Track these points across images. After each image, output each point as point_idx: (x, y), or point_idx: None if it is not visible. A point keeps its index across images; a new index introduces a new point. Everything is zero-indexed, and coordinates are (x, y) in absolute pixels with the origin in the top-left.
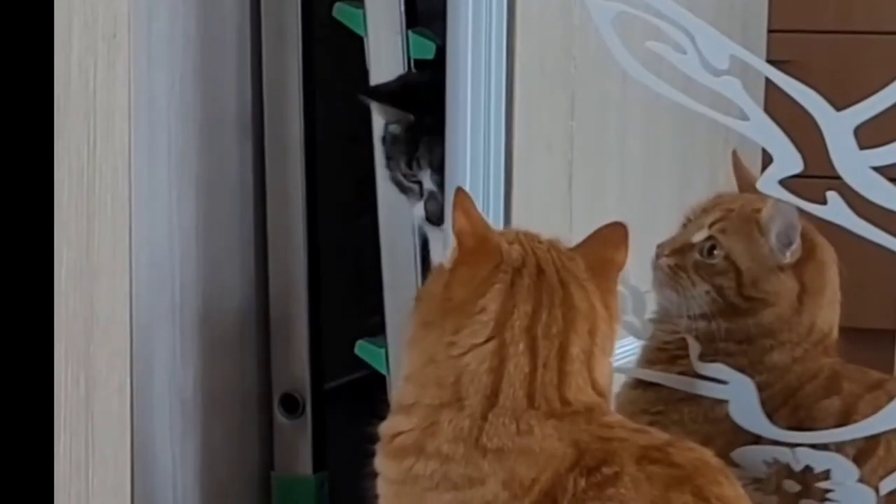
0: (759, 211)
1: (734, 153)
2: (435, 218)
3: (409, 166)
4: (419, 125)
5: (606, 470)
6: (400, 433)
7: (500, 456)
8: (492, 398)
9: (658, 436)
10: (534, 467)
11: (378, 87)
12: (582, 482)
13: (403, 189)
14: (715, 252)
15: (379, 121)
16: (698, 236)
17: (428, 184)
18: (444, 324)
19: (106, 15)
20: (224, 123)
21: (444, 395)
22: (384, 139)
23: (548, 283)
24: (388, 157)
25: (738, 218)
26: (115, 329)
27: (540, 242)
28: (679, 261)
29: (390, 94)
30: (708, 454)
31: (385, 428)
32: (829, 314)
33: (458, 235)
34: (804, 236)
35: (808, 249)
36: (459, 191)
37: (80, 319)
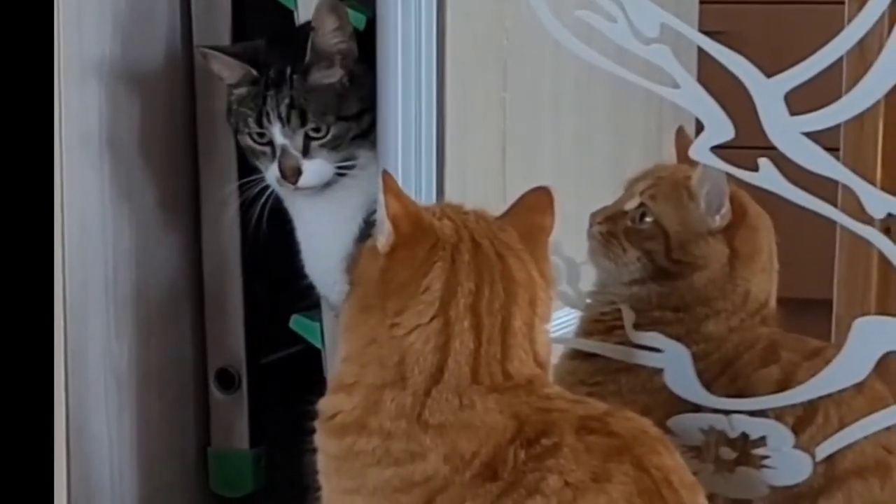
0: (689, 178)
1: (680, 129)
2: (291, 174)
3: (259, 123)
4: (264, 80)
5: (546, 441)
6: (340, 412)
7: (442, 431)
8: (436, 375)
9: (597, 406)
10: (475, 440)
11: (218, 45)
12: (522, 454)
13: (256, 155)
14: (645, 218)
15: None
16: (630, 204)
17: (279, 139)
18: (385, 306)
19: None
20: (156, 93)
21: (386, 374)
22: (230, 111)
23: (486, 257)
24: (237, 124)
25: (669, 184)
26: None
27: (466, 214)
28: (611, 227)
29: (233, 50)
30: (647, 423)
31: (325, 406)
32: (763, 282)
33: (393, 220)
34: (735, 201)
35: (739, 214)
36: (385, 174)
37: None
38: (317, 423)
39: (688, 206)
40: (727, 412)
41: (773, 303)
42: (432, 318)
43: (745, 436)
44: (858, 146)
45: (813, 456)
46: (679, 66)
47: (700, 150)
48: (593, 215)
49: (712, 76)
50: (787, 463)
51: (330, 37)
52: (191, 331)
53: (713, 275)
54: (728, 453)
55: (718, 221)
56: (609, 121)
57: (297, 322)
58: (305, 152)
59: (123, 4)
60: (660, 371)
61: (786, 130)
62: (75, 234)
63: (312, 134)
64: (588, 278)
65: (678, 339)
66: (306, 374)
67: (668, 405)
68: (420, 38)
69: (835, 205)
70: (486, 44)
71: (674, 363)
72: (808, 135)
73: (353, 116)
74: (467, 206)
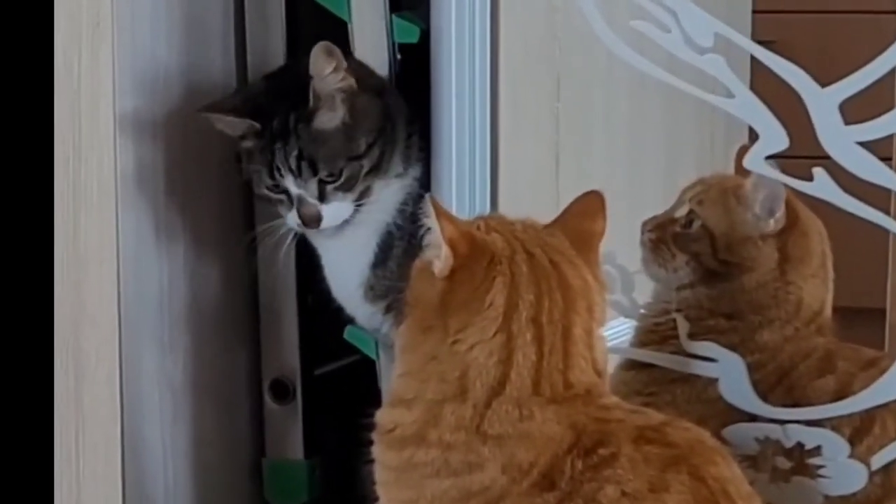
0: (739, 185)
1: (742, 148)
2: (311, 220)
3: (272, 176)
4: (269, 132)
5: (603, 451)
6: (399, 425)
7: (500, 442)
8: (498, 388)
9: (654, 416)
10: (532, 450)
11: (217, 102)
12: (579, 463)
13: (273, 203)
14: (693, 223)
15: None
16: (680, 211)
17: (294, 189)
18: (447, 325)
19: (90, 2)
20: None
21: (447, 389)
22: (240, 162)
23: (541, 267)
24: (249, 177)
25: (717, 190)
26: (103, 319)
27: (512, 224)
28: (660, 234)
29: (231, 106)
30: (705, 434)
31: (383, 420)
32: (816, 289)
33: (451, 243)
34: (788, 206)
35: (791, 219)
36: (431, 199)
37: (68, 310)
38: (374, 436)
39: (735, 209)
40: (782, 422)
41: (827, 312)
42: (496, 333)
43: (800, 445)
44: None
45: (869, 466)
46: (733, 75)
47: (755, 160)
48: (644, 224)
49: (765, 86)
50: (843, 473)
51: (329, 80)
52: (245, 342)
53: (762, 278)
54: (783, 463)
55: (772, 226)
56: (661, 130)
57: (351, 333)
58: (322, 198)
59: (177, 26)
60: (715, 381)
61: (840, 140)
62: (131, 248)
63: (326, 179)
64: (642, 288)
65: (733, 348)
66: (361, 384)
67: (723, 415)
68: (473, 49)
69: (888, 213)
70: (538, 55)
71: (728, 373)
72: (863, 144)
73: (362, 154)
74: (511, 217)
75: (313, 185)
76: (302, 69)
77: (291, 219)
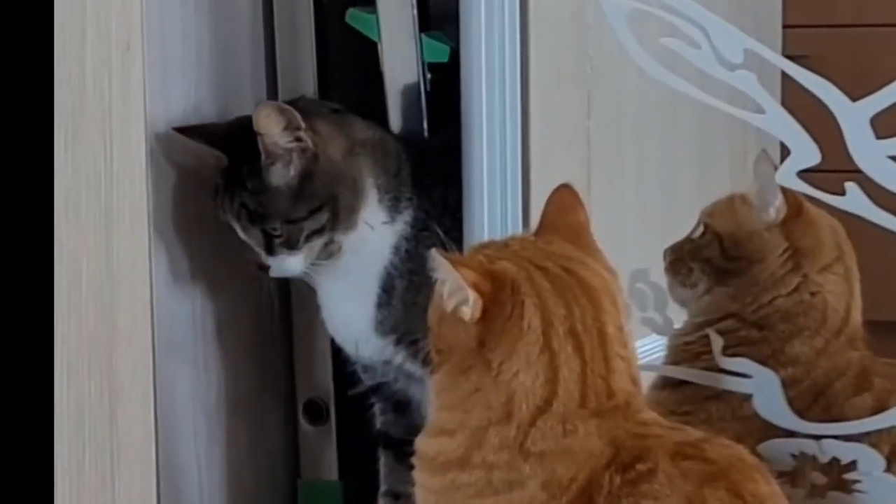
0: (745, 192)
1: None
2: (263, 268)
3: (227, 221)
4: (223, 175)
5: (641, 466)
6: (442, 452)
7: (542, 458)
8: (544, 406)
9: (692, 433)
10: (573, 466)
11: (193, 126)
12: (617, 479)
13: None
14: (705, 234)
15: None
16: (696, 231)
17: (241, 235)
18: (489, 360)
19: (119, 25)
20: None
21: (492, 415)
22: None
23: (559, 278)
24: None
25: (725, 200)
26: (137, 339)
27: (507, 246)
28: (678, 254)
29: (204, 133)
30: (743, 451)
31: (425, 448)
32: (837, 287)
33: (475, 287)
34: (789, 196)
35: (794, 208)
36: (437, 252)
37: (102, 331)
38: (416, 461)
39: (741, 209)
40: (818, 437)
41: (856, 320)
42: (539, 354)
43: (836, 461)
44: None
45: None
46: (764, 91)
47: (787, 176)
48: (665, 252)
49: (796, 101)
50: (879, 488)
51: (279, 138)
52: (279, 363)
53: (774, 269)
54: (819, 478)
55: (773, 215)
56: (693, 147)
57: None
58: (269, 250)
59: (207, 48)
60: (749, 398)
61: (872, 154)
62: (164, 269)
63: (272, 232)
64: (676, 306)
65: (764, 361)
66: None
67: (759, 432)
68: (504, 68)
69: None
70: (569, 73)
71: (763, 388)
72: (894, 158)
73: (302, 218)
74: (500, 239)
75: (257, 235)
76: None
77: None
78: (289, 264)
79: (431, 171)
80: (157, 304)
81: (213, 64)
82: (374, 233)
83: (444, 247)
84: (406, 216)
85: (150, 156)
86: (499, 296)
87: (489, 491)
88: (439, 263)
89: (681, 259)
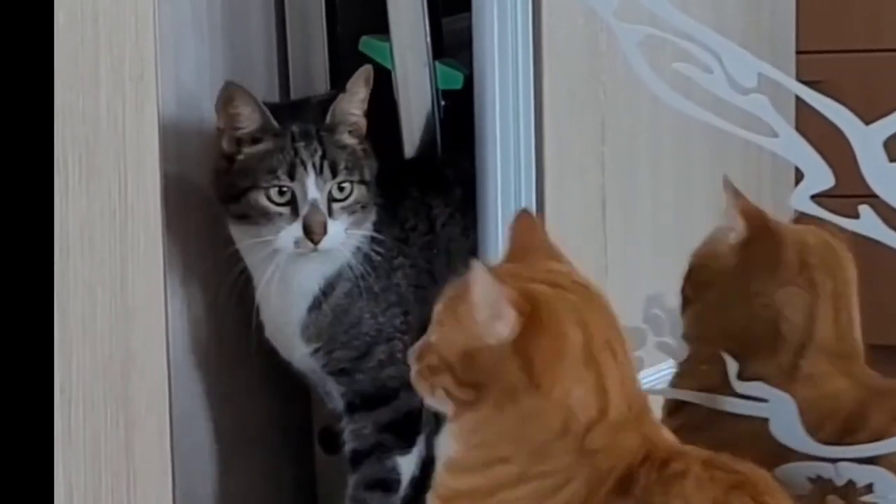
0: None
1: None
2: (318, 230)
3: (291, 175)
4: (289, 133)
5: (676, 466)
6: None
7: (593, 455)
8: (599, 416)
9: (723, 454)
10: (613, 459)
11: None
12: (654, 475)
13: (269, 216)
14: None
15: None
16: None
17: (312, 192)
18: (540, 383)
19: (132, 56)
20: None
21: (551, 432)
22: (232, 172)
23: (578, 292)
24: (251, 183)
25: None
26: (153, 369)
27: (511, 270)
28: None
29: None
30: (767, 474)
31: (461, 485)
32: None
33: (515, 307)
34: (748, 217)
35: (754, 228)
36: (477, 266)
37: (118, 361)
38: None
39: (717, 236)
40: (833, 460)
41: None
42: (586, 368)
43: (852, 484)
44: None
45: None
46: (777, 115)
47: (801, 199)
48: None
49: (810, 125)
50: None
51: (355, 105)
52: (294, 391)
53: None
54: (836, 502)
55: (733, 238)
56: (708, 172)
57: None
58: (329, 212)
59: (222, 78)
60: (765, 422)
61: (886, 177)
62: (178, 298)
63: (336, 194)
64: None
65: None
66: None
67: (775, 459)
68: (517, 94)
69: None
70: (583, 99)
71: (778, 412)
72: None
73: (370, 183)
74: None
75: (326, 193)
76: (308, 104)
77: (288, 235)
78: (339, 233)
79: (393, 183)
80: (173, 334)
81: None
82: (356, 227)
83: (391, 257)
84: (372, 215)
85: (165, 188)
86: (540, 318)
87: (535, 498)
88: (480, 277)
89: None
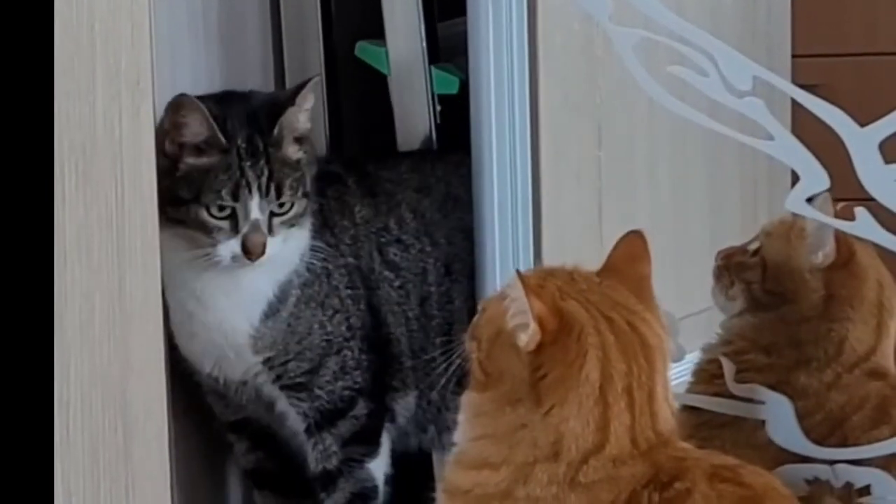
0: (804, 221)
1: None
2: (256, 252)
3: (235, 196)
4: (236, 149)
5: (679, 486)
6: (481, 485)
7: (590, 487)
8: (595, 450)
9: (728, 458)
10: (615, 490)
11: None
12: (656, 496)
13: (207, 230)
14: (756, 254)
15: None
16: (752, 245)
17: (255, 213)
18: (541, 398)
19: (129, 62)
20: None
21: (539, 453)
22: (168, 171)
23: (623, 332)
24: (194, 196)
25: (787, 224)
26: (151, 375)
27: (576, 282)
28: (726, 262)
29: (210, 108)
30: (776, 480)
31: (461, 481)
32: (864, 334)
33: (540, 319)
34: (843, 245)
35: (843, 257)
36: (518, 274)
37: (116, 367)
38: (443, 494)
39: (795, 243)
40: (831, 462)
41: (878, 359)
42: (593, 406)
43: (850, 485)
44: None
45: None
46: (772, 117)
47: (796, 202)
48: (718, 253)
49: (807, 129)
50: None
51: (302, 116)
52: None
53: (805, 312)
54: (832, 503)
55: (820, 259)
56: (704, 176)
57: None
58: (269, 229)
59: (218, 84)
60: (762, 425)
61: (881, 179)
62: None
63: (277, 211)
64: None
65: (770, 388)
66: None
67: (771, 463)
68: (513, 99)
69: None
70: (579, 103)
71: (776, 414)
72: None
73: (308, 194)
74: (567, 267)
75: (268, 212)
76: (256, 99)
77: (227, 249)
78: (277, 246)
79: (327, 185)
80: (170, 340)
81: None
82: (299, 230)
83: (328, 262)
84: (309, 221)
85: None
86: (563, 338)
87: None
88: (514, 283)
89: (727, 268)
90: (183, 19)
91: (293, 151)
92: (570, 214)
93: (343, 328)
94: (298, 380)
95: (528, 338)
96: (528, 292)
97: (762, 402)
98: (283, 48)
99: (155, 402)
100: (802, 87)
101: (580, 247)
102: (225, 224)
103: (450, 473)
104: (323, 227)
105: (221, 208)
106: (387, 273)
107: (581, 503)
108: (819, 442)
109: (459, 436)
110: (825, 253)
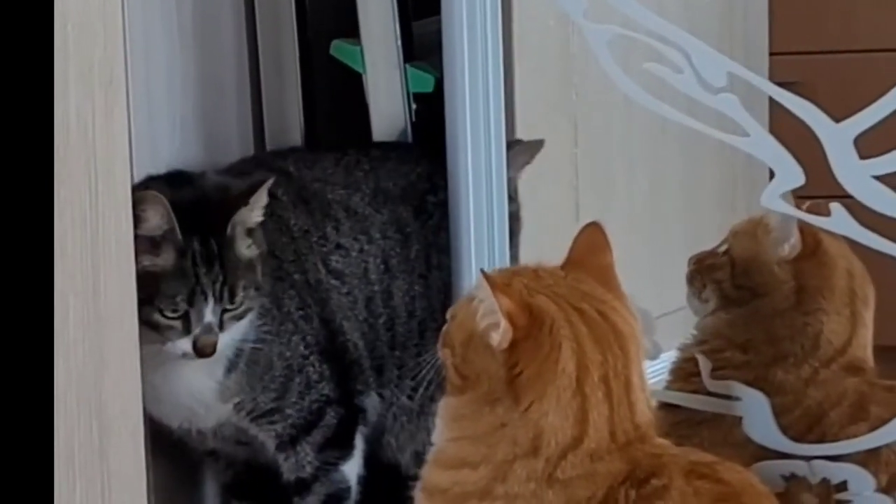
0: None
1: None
2: (207, 351)
3: (191, 302)
4: (191, 253)
5: (656, 482)
6: (460, 483)
7: (567, 484)
8: (574, 444)
9: (706, 455)
10: (593, 486)
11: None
12: (633, 493)
13: (159, 329)
14: (725, 254)
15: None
16: (721, 247)
17: (208, 317)
18: (519, 396)
19: (102, 61)
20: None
21: (518, 449)
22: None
23: (595, 322)
24: (147, 296)
25: (753, 221)
26: (126, 375)
27: (542, 278)
28: (698, 266)
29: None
30: (753, 477)
31: (440, 481)
32: (838, 326)
33: (510, 316)
34: (808, 235)
35: (810, 248)
36: (483, 274)
37: (91, 367)
38: (422, 492)
39: (761, 237)
40: (807, 458)
41: (855, 352)
42: (571, 398)
43: (827, 481)
44: None
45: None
46: (747, 114)
47: (771, 198)
48: (690, 259)
49: (784, 126)
50: None
51: (257, 212)
52: None
53: (777, 305)
54: (811, 500)
55: (787, 251)
56: (681, 173)
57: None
58: (221, 326)
59: (193, 83)
60: (739, 423)
61: (856, 175)
62: None
63: (228, 307)
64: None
65: (748, 385)
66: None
67: (750, 460)
68: (488, 97)
69: None
70: (555, 101)
71: (752, 410)
72: (881, 178)
73: (260, 284)
74: (530, 265)
75: (220, 313)
76: (208, 187)
77: (177, 347)
78: (228, 338)
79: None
80: None
81: (199, 98)
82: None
83: (278, 296)
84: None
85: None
86: (535, 333)
87: None
88: (481, 283)
89: (698, 272)
90: (156, 17)
91: (245, 248)
92: (546, 212)
93: (301, 348)
94: (269, 407)
95: (500, 336)
96: (496, 291)
97: (739, 399)
98: (258, 47)
99: (131, 403)
100: (781, 84)
101: (557, 244)
102: (177, 324)
103: (428, 473)
104: (266, 254)
105: (174, 311)
106: (333, 282)
107: (558, 500)
108: (798, 439)
109: (437, 436)
110: (791, 244)
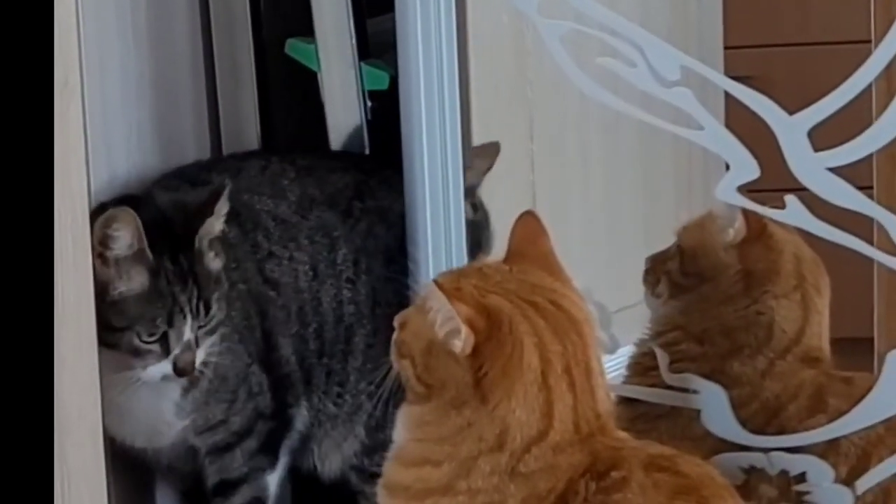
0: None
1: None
2: (188, 370)
3: (171, 322)
4: (164, 273)
5: (615, 474)
6: (422, 480)
7: (529, 477)
8: (539, 437)
9: (665, 448)
10: (553, 479)
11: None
12: (593, 486)
13: (137, 353)
14: (674, 247)
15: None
16: (673, 244)
17: (187, 334)
18: (486, 397)
19: (57, 62)
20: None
21: (484, 445)
22: (100, 294)
23: (551, 314)
24: (127, 323)
25: (703, 216)
26: (83, 374)
27: (489, 276)
28: (652, 265)
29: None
30: (713, 470)
31: (400, 478)
32: (789, 312)
33: (469, 322)
34: (752, 220)
35: (755, 232)
36: (438, 283)
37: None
38: (383, 489)
39: (707, 226)
40: (766, 450)
41: (810, 341)
42: (538, 392)
43: (785, 473)
44: (891, 182)
45: (854, 490)
46: (701, 107)
47: (726, 191)
48: (646, 259)
49: (741, 120)
50: (829, 498)
51: (221, 220)
52: None
53: (725, 289)
54: (770, 491)
55: (731, 235)
56: (638, 168)
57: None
58: (197, 343)
59: (148, 85)
60: (698, 417)
61: (810, 167)
62: None
63: (202, 323)
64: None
65: (706, 377)
66: None
67: (710, 452)
68: (443, 93)
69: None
70: (510, 97)
71: (710, 403)
72: (841, 173)
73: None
74: (475, 264)
75: (197, 328)
76: (163, 204)
77: (157, 370)
78: (202, 354)
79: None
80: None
81: (154, 99)
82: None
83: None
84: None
85: (92, 194)
86: (495, 334)
87: None
88: (434, 293)
89: (652, 269)
90: (111, 19)
91: (211, 260)
92: (503, 207)
93: (246, 357)
94: (218, 419)
95: (462, 343)
96: (451, 299)
97: (697, 392)
98: (213, 47)
99: (88, 402)
100: (736, 78)
101: None
102: (155, 347)
103: (389, 470)
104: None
105: (152, 334)
106: (270, 293)
107: (520, 492)
108: (757, 432)
109: (398, 436)
110: (735, 229)
